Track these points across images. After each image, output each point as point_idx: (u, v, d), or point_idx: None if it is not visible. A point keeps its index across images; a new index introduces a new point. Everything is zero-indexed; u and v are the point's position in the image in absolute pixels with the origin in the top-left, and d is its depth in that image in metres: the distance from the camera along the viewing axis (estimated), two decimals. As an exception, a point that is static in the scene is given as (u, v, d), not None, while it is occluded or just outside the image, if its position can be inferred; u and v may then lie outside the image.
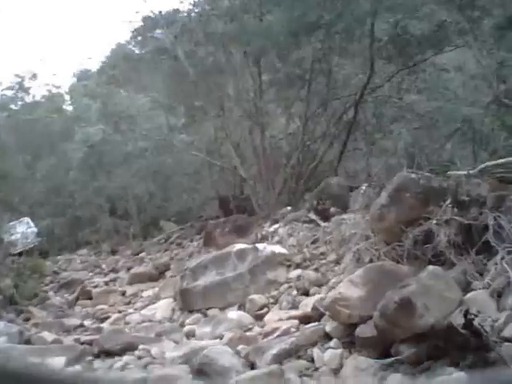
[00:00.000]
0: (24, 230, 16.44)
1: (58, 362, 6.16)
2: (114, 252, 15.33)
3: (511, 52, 10.69)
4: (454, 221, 5.99)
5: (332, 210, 9.15)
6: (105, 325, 8.09)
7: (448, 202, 6.22)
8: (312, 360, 4.99)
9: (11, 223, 16.06)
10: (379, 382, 4.48)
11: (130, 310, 8.80)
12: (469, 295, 5.15)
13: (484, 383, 1.37)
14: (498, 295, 5.09)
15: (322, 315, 5.98)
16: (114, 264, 13.15)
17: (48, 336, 7.30)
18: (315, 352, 5.02)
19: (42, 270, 12.62)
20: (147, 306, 8.81)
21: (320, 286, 7.27)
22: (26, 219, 17.71)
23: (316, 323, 5.89)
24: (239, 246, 8.46)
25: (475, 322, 4.42)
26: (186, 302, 8.05)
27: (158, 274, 10.69)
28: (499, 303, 5.01)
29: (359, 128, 14.24)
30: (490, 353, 4.26)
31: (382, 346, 4.69)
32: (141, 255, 13.32)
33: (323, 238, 8.36)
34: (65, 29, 47.91)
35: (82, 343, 6.88)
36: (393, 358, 4.55)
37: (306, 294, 7.25)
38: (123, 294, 10.08)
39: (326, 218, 9.07)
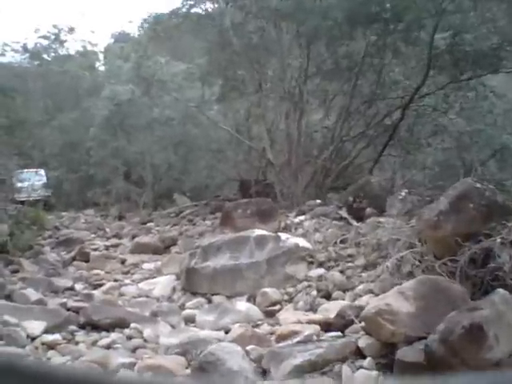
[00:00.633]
0: (36, 181, 15.88)
1: (36, 326, 5.35)
2: (121, 217, 14.72)
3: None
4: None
5: (368, 210, 8.20)
6: (97, 292, 7.34)
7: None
8: (339, 379, 4.04)
9: (26, 170, 15.50)
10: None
11: (127, 281, 8.05)
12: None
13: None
14: None
15: (346, 325, 5.12)
16: (118, 229, 12.45)
17: (32, 294, 6.59)
18: (344, 370, 4.05)
19: (43, 222, 11.97)
20: (146, 279, 8.04)
21: (345, 290, 6.39)
22: (42, 171, 17.18)
23: (338, 333, 5.00)
24: (260, 231, 7.55)
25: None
26: (191, 282, 7.21)
27: (163, 248, 9.95)
28: None
29: (399, 134, 13.34)
30: None
31: (430, 375, 3.75)
32: (148, 225, 12.59)
33: (354, 239, 7.42)
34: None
35: (68, 309, 6.18)
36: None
37: (328, 297, 6.37)
38: (123, 262, 9.36)
39: (359, 218, 8.14)
